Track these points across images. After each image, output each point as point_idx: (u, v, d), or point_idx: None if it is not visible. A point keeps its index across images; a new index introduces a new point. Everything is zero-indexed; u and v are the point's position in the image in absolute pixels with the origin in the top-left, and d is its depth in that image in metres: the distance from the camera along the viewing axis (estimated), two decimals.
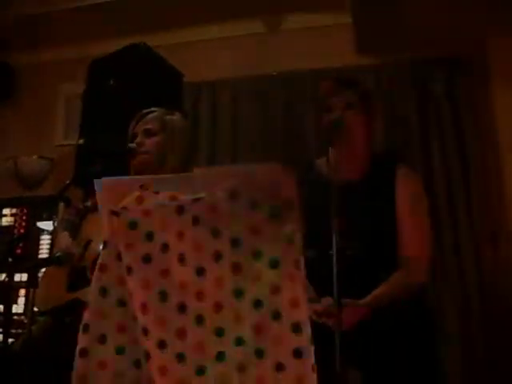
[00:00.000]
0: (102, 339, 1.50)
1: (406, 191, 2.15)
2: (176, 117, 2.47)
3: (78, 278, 2.28)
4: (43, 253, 3.57)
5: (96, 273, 1.53)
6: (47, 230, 3.59)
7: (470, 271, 3.29)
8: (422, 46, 3.58)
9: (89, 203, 2.47)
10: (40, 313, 2.44)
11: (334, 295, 1.64)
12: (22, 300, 3.38)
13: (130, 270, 1.48)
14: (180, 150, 2.41)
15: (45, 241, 3.60)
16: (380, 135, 3.39)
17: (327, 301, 1.91)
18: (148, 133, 2.39)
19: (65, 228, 2.46)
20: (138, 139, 2.38)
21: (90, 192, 1.57)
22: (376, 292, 2.01)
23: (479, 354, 3.15)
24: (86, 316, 1.51)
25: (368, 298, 1.98)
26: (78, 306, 1.54)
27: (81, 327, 1.50)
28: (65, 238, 2.40)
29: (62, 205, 3.57)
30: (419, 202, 2.18)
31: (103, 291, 1.51)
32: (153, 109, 2.46)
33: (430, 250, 2.17)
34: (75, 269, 2.33)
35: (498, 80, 3.44)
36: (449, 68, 3.65)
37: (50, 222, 3.58)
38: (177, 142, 2.40)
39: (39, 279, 2.42)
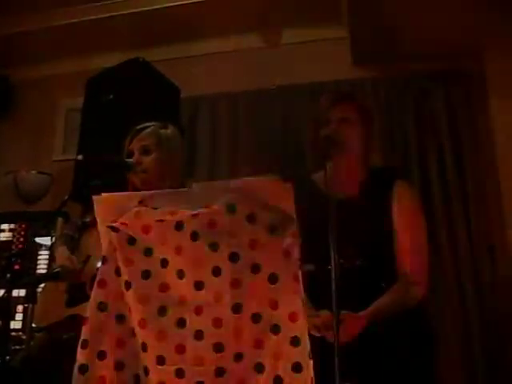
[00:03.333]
0: (102, 355, 1.49)
1: (404, 205, 2.15)
2: (170, 130, 2.47)
3: (77, 293, 2.27)
4: (41, 268, 3.56)
5: (95, 288, 1.53)
6: (45, 246, 3.58)
7: (468, 284, 3.29)
8: (419, 59, 3.60)
9: (88, 219, 2.47)
10: (38, 329, 2.43)
11: (333, 308, 1.63)
12: (19, 316, 3.36)
13: (128, 285, 1.49)
14: (177, 163, 2.41)
15: (43, 256, 3.59)
16: (377, 148, 3.40)
17: (325, 314, 1.91)
18: (145, 150, 2.39)
19: (64, 243, 2.45)
20: (136, 157, 2.38)
21: (89, 207, 1.57)
22: (374, 305, 2.01)
23: (479, 367, 3.14)
24: (85, 332, 1.51)
25: (366, 311, 1.98)
26: (77, 322, 1.53)
27: (80, 343, 1.50)
28: (64, 253, 2.39)
29: (60, 220, 3.57)
30: (416, 217, 2.18)
31: (102, 307, 1.51)
32: (146, 124, 2.46)
33: (428, 264, 2.17)
34: (74, 284, 2.32)
35: (496, 93, 3.45)
36: (446, 81, 3.67)
37: (49, 238, 3.57)
38: (173, 157, 2.41)
39: (37, 295, 2.41)
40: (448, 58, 3.56)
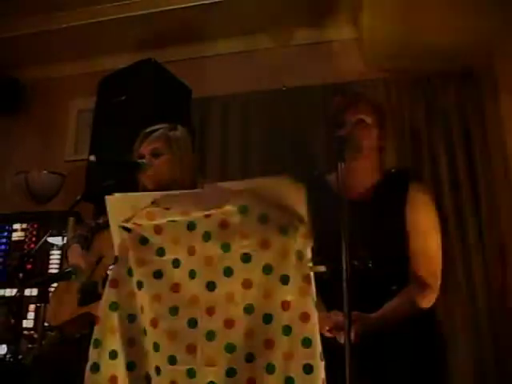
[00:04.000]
0: (113, 354, 1.50)
1: (418, 208, 2.14)
2: (179, 131, 2.47)
3: (90, 292, 2.28)
4: (53, 268, 3.57)
5: (107, 288, 1.54)
6: (57, 245, 3.60)
7: (479, 284, 3.27)
8: (431, 59, 3.59)
9: (101, 220, 2.48)
10: (50, 328, 2.45)
11: (344, 309, 1.63)
12: (31, 315, 3.38)
13: (140, 284, 1.49)
14: (188, 164, 2.41)
15: (55, 256, 3.61)
16: (390, 149, 3.39)
17: (336, 314, 1.90)
18: (155, 153, 2.39)
19: (77, 242, 2.47)
20: (146, 160, 2.38)
21: (101, 208, 1.57)
22: (385, 308, 2.00)
23: (490, 367, 3.13)
24: (97, 331, 1.52)
25: (377, 314, 1.97)
26: (89, 321, 1.54)
27: (91, 342, 1.51)
28: (77, 251, 2.40)
29: (71, 220, 3.59)
30: (431, 220, 2.17)
31: (114, 306, 1.52)
32: (155, 127, 2.45)
33: (441, 268, 2.15)
34: (86, 284, 2.33)
35: (507, 93, 3.43)
36: (457, 81, 3.66)
37: (60, 238, 3.59)
38: (184, 158, 2.41)
39: (50, 294, 2.42)
40: (459, 57, 3.54)
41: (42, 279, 2.40)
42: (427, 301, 2.07)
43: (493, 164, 3.48)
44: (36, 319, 3.29)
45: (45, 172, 4.07)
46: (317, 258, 1.45)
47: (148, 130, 2.44)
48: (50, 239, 3.61)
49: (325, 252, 1.79)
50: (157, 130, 2.44)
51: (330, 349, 1.51)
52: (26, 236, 3.75)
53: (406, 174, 2.36)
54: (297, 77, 3.87)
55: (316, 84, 3.86)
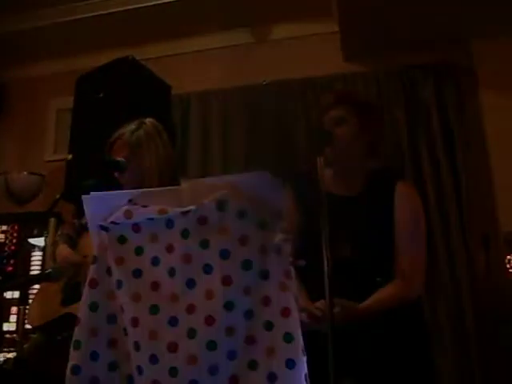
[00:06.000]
0: (94, 355, 1.49)
1: (405, 205, 2.15)
2: (142, 130, 2.40)
3: (72, 292, 2.26)
4: (35, 269, 3.54)
5: (86, 288, 1.52)
6: (38, 247, 3.57)
7: (462, 275, 3.30)
8: (409, 52, 3.60)
9: (84, 220, 2.46)
10: (33, 330, 2.43)
11: (326, 297, 1.63)
12: (13, 318, 3.35)
13: (120, 284, 1.48)
14: (156, 159, 2.36)
15: (36, 257, 3.57)
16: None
17: (321, 304, 1.91)
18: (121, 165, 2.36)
19: (64, 241, 2.45)
20: (116, 173, 2.36)
21: (82, 208, 1.56)
22: (370, 300, 2.01)
23: (474, 358, 3.15)
24: (77, 332, 1.50)
25: (362, 305, 1.98)
26: (72, 321, 1.53)
27: (72, 344, 1.49)
28: (65, 250, 2.39)
29: (53, 220, 3.56)
30: (417, 217, 2.18)
31: (94, 306, 1.50)
32: (119, 132, 2.42)
33: (425, 263, 2.16)
34: (69, 284, 2.32)
35: (485, 85, 3.46)
36: (436, 74, 3.68)
37: (42, 239, 3.56)
38: (153, 156, 2.36)
39: (32, 295, 2.40)
40: (437, 50, 3.56)
41: (22, 281, 2.38)
42: (411, 295, 2.09)
43: (473, 154, 3.50)
44: (18, 322, 3.27)
45: (24, 173, 4.04)
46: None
47: (112, 138, 2.40)
48: (32, 240, 3.58)
49: (310, 247, 1.80)
50: (120, 136, 2.39)
51: (313, 343, 1.51)
52: (6, 238, 3.72)
53: (392, 172, 2.37)
54: (276, 72, 3.86)
55: (296, 78, 3.86)
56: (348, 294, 1.90)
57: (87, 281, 1.53)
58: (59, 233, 2.52)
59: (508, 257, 3.29)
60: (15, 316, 3.34)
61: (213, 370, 1.38)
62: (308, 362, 1.39)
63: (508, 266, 3.28)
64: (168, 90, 3.76)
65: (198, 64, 4.11)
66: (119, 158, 2.34)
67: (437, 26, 3.33)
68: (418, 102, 3.66)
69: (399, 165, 3.52)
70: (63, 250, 2.39)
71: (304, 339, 1.40)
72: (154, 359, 1.41)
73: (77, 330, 1.51)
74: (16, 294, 3.25)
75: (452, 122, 3.58)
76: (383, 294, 2.03)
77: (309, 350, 1.42)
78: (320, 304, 1.91)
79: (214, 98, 4.03)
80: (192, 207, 1.43)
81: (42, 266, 3.49)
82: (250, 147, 3.81)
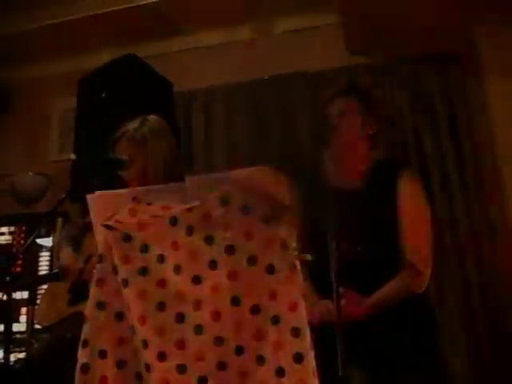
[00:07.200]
0: (102, 354, 1.49)
1: (408, 195, 2.14)
2: (147, 126, 2.41)
3: (80, 292, 2.27)
4: (43, 269, 3.56)
5: (93, 287, 1.52)
6: (46, 247, 3.58)
7: (470, 269, 3.28)
8: (413, 44, 3.58)
9: (89, 219, 2.46)
10: (43, 329, 2.44)
11: (334, 295, 1.63)
12: (23, 318, 3.36)
13: (126, 282, 1.48)
14: (161, 155, 2.36)
15: (44, 257, 3.59)
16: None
17: (326, 303, 1.91)
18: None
19: (68, 244, 2.46)
20: (120, 171, 2.36)
21: (87, 206, 1.56)
22: (377, 293, 2.02)
23: (485, 353, 3.14)
24: (85, 331, 1.50)
25: (373, 297, 1.99)
26: (80, 320, 1.53)
27: (80, 342, 1.49)
28: (67, 254, 2.40)
29: (60, 220, 3.57)
30: (421, 207, 2.17)
31: (101, 305, 1.51)
32: (122, 130, 2.42)
33: (432, 254, 2.16)
34: (77, 283, 2.33)
35: (491, 76, 3.43)
36: (440, 65, 3.65)
37: (49, 239, 3.57)
38: (158, 152, 2.35)
39: (40, 295, 2.41)
40: (441, 42, 3.53)
41: (30, 281, 2.39)
42: (419, 286, 2.08)
43: (479, 146, 3.48)
44: (28, 322, 3.28)
45: (30, 174, 4.05)
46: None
47: (116, 136, 2.40)
48: (39, 240, 3.58)
49: (316, 240, 1.80)
50: (125, 133, 2.39)
51: (321, 337, 1.51)
52: (13, 239, 3.73)
53: (395, 162, 2.37)
54: (279, 66, 3.85)
55: (299, 72, 3.84)
56: (356, 289, 1.91)
57: (94, 280, 1.53)
58: (63, 234, 2.53)
59: None
60: (25, 316, 3.35)
61: (221, 366, 1.38)
62: (317, 355, 1.39)
63: None
64: (170, 87, 3.75)
65: (200, 61, 4.10)
66: (123, 156, 2.34)
67: (440, 17, 3.30)
68: (423, 94, 3.63)
69: (404, 154, 3.51)
70: (66, 256, 2.40)
71: (312, 333, 1.40)
72: (162, 356, 1.41)
73: (84, 328, 1.51)
74: (25, 295, 3.26)
75: (458, 114, 3.55)
76: (391, 286, 2.05)
77: (317, 342, 1.42)
78: (324, 303, 1.93)
79: (216, 94, 4.02)
80: (196, 203, 1.43)
81: (50, 266, 3.50)
82: (253, 142, 3.80)
